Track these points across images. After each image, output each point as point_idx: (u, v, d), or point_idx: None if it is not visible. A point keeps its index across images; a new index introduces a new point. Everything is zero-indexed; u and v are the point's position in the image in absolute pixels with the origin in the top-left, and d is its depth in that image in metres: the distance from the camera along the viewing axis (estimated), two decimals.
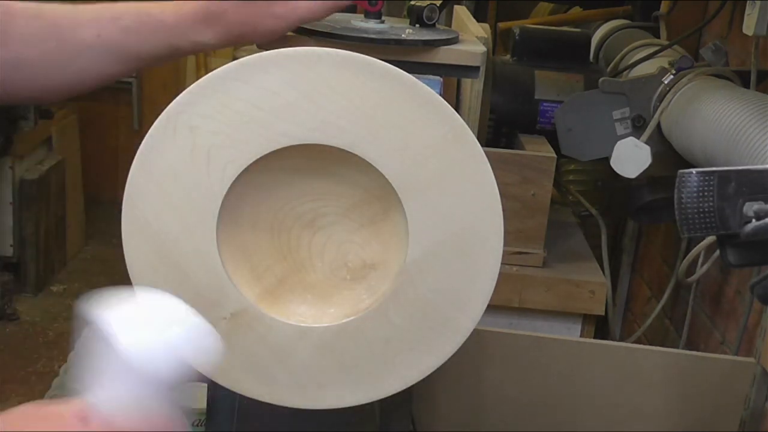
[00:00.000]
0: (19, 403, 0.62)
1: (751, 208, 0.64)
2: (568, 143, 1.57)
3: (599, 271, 1.65)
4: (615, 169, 1.44)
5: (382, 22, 1.05)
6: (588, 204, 1.93)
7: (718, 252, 1.39)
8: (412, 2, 1.11)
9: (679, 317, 1.87)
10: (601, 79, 1.54)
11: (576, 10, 2.39)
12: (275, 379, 0.83)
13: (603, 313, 1.62)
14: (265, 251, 0.84)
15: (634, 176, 1.44)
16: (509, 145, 1.77)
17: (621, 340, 2.07)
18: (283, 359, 0.83)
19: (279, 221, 0.84)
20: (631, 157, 1.42)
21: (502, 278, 0.84)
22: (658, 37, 1.93)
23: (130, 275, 0.82)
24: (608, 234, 1.89)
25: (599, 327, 1.71)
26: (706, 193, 0.64)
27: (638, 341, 1.87)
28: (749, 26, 1.37)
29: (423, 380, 0.84)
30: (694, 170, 0.65)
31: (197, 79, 0.82)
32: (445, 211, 0.81)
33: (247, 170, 0.80)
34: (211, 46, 0.90)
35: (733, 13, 1.68)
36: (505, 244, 0.83)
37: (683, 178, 0.65)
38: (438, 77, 1.00)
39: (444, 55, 1.00)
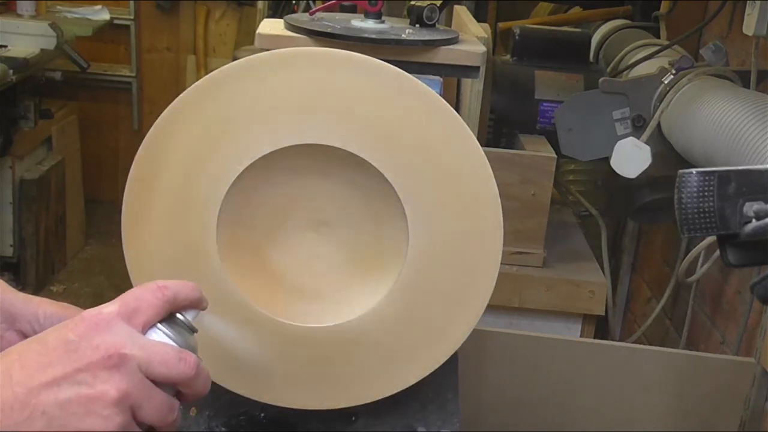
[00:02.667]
0: None
1: (751, 208, 0.64)
2: (568, 143, 1.57)
3: (599, 271, 1.65)
4: (615, 169, 1.44)
5: (382, 22, 1.05)
6: (588, 204, 1.93)
7: (718, 252, 1.40)
8: (412, 2, 1.11)
9: (679, 317, 1.87)
10: (601, 79, 1.54)
11: (576, 10, 2.39)
12: (275, 379, 0.83)
13: (603, 313, 1.62)
14: (265, 251, 0.84)
15: (634, 176, 1.44)
16: (509, 145, 1.77)
17: (621, 340, 2.07)
18: (284, 359, 0.83)
19: (279, 221, 0.84)
20: (631, 157, 1.42)
21: (502, 278, 0.84)
22: (658, 37, 1.93)
23: (130, 276, 0.82)
24: (608, 234, 1.89)
25: (599, 327, 1.71)
26: (706, 193, 0.64)
27: (638, 341, 1.87)
28: (749, 26, 1.37)
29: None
30: (694, 170, 0.65)
31: (197, 79, 0.82)
32: (445, 212, 0.81)
33: (247, 170, 0.80)
34: None
35: (733, 13, 1.68)
36: (505, 244, 0.83)
37: (683, 178, 0.65)
38: (438, 77, 1.01)
39: (444, 55, 1.00)
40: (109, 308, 0.62)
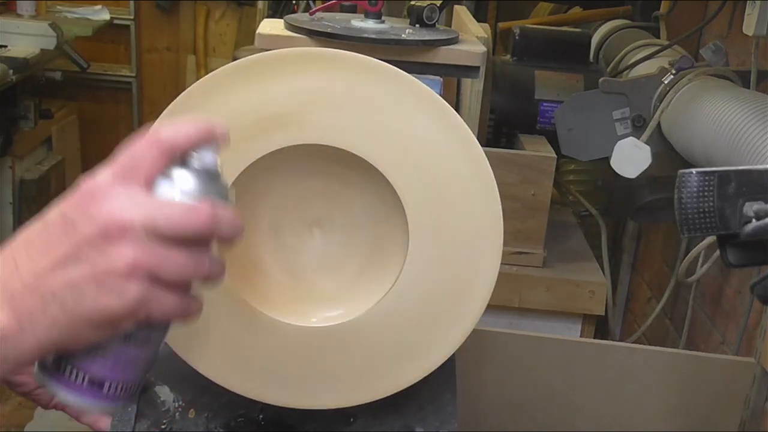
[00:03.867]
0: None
1: (751, 208, 0.64)
2: (568, 143, 1.57)
3: (599, 271, 1.65)
4: (615, 169, 1.44)
5: (382, 22, 1.05)
6: (588, 204, 1.93)
7: (718, 252, 1.40)
8: (412, 2, 1.11)
9: (679, 317, 1.87)
10: (601, 79, 1.54)
11: (576, 10, 2.40)
12: (275, 379, 0.83)
13: (603, 313, 1.62)
14: (265, 252, 0.84)
15: (634, 176, 1.44)
16: (509, 145, 1.77)
17: (621, 340, 2.07)
18: (283, 359, 0.83)
19: (279, 222, 0.84)
20: (631, 157, 1.42)
21: (502, 278, 0.84)
22: (658, 37, 1.93)
23: None
24: (608, 234, 1.89)
25: (599, 327, 1.71)
26: (706, 193, 0.64)
27: (638, 341, 1.87)
28: (749, 26, 1.37)
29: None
30: (694, 170, 0.65)
31: (197, 79, 0.82)
32: (445, 212, 0.81)
33: (247, 170, 0.80)
34: None
35: (733, 13, 1.68)
36: (505, 244, 0.82)
37: (683, 178, 0.65)
38: (438, 77, 1.01)
39: (444, 55, 1.00)
40: (103, 174, 0.56)
